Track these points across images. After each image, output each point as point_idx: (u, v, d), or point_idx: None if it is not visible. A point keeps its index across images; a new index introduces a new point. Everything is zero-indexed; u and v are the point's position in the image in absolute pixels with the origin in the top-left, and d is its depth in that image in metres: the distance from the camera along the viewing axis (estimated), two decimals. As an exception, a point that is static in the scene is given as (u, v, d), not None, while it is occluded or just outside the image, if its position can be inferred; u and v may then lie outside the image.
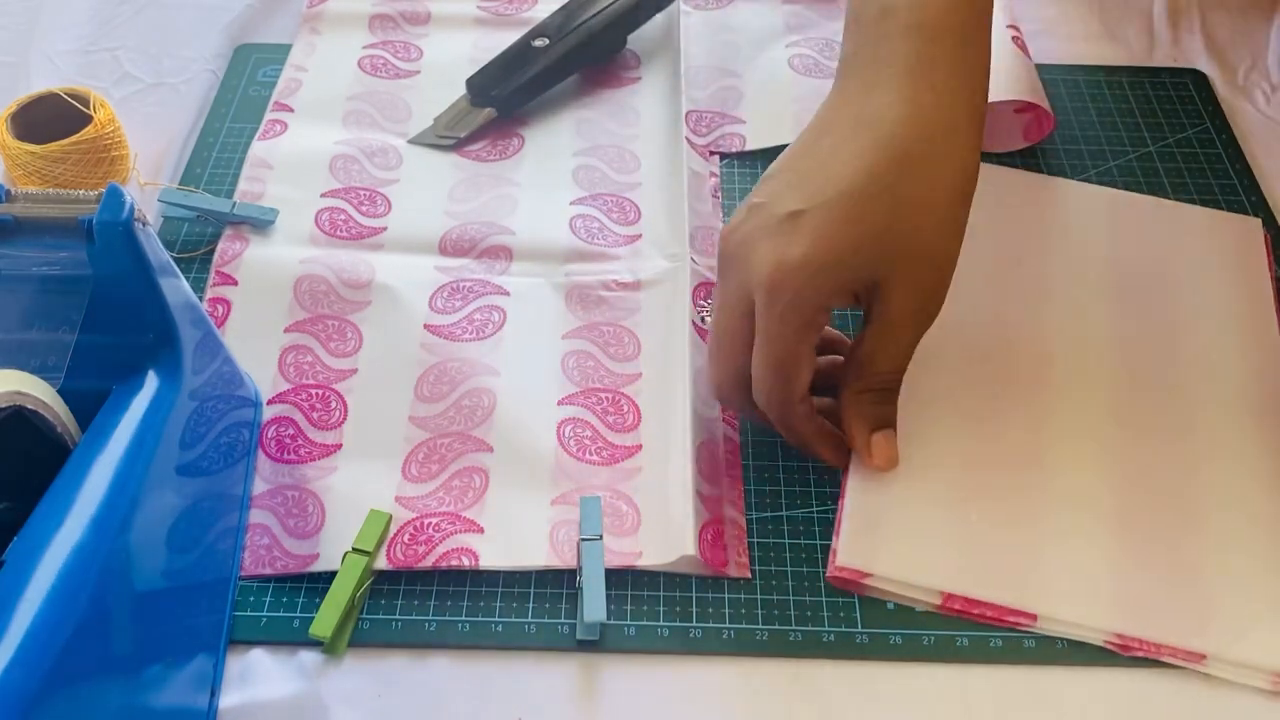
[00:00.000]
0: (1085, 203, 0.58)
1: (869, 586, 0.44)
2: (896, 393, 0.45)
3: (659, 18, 0.69)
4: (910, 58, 0.41)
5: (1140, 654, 0.42)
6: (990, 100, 0.56)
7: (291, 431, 0.49)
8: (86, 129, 0.56)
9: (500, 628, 0.44)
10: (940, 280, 0.42)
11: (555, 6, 0.66)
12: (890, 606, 0.44)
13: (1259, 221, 0.57)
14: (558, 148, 0.62)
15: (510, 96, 0.63)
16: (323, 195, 0.59)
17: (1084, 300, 0.53)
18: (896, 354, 0.43)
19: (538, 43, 0.64)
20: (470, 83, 0.63)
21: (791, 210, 0.40)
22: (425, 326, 0.53)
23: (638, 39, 0.68)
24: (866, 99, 0.42)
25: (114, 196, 0.37)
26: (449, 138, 0.62)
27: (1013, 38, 0.60)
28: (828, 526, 0.47)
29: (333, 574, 0.44)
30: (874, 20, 0.43)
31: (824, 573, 0.45)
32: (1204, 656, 0.42)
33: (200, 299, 0.52)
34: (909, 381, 0.45)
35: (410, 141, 0.62)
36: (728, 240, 0.43)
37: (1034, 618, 0.43)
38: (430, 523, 0.46)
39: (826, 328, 0.45)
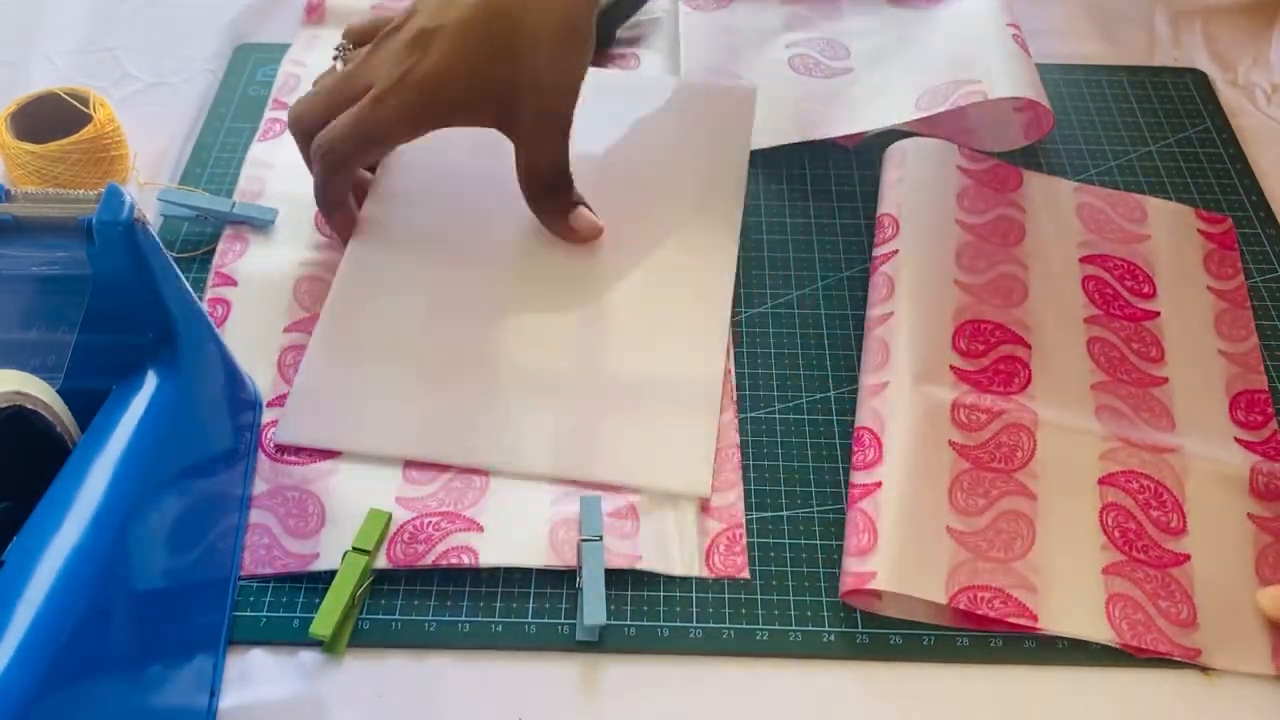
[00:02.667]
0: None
1: (882, 603, 0.44)
2: (567, 181, 0.52)
3: (661, 18, 0.69)
4: None
5: (1140, 653, 0.43)
6: (990, 98, 0.56)
7: (291, 431, 0.49)
8: (86, 129, 0.56)
9: (500, 628, 0.44)
10: (561, 102, 0.48)
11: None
12: (890, 607, 0.44)
13: (750, 90, 0.62)
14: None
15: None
16: (322, 195, 0.59)
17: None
18: (548, 162, 0.51)
19: None
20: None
21: (424, 27, 0.47)
22: (425, 326, 0.53)
23: (640, 41, 0.68)
24: None
25: (114, 196, 0.37)
26: None
27: (1012, 36, 0.60)
28: (828, 526, 0.47)
29: (333, 574, 0.44)
30: None
31: (825, 585, 0.45)
32: (1199, 652, 0.42)
33: (200, 299, 0.52)
34: None
35: None
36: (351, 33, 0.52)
37: (1035, 617, 0.43)
38: (430, 522, 0.46)
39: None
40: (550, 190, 0.52)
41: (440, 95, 0.47)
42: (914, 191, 0.56)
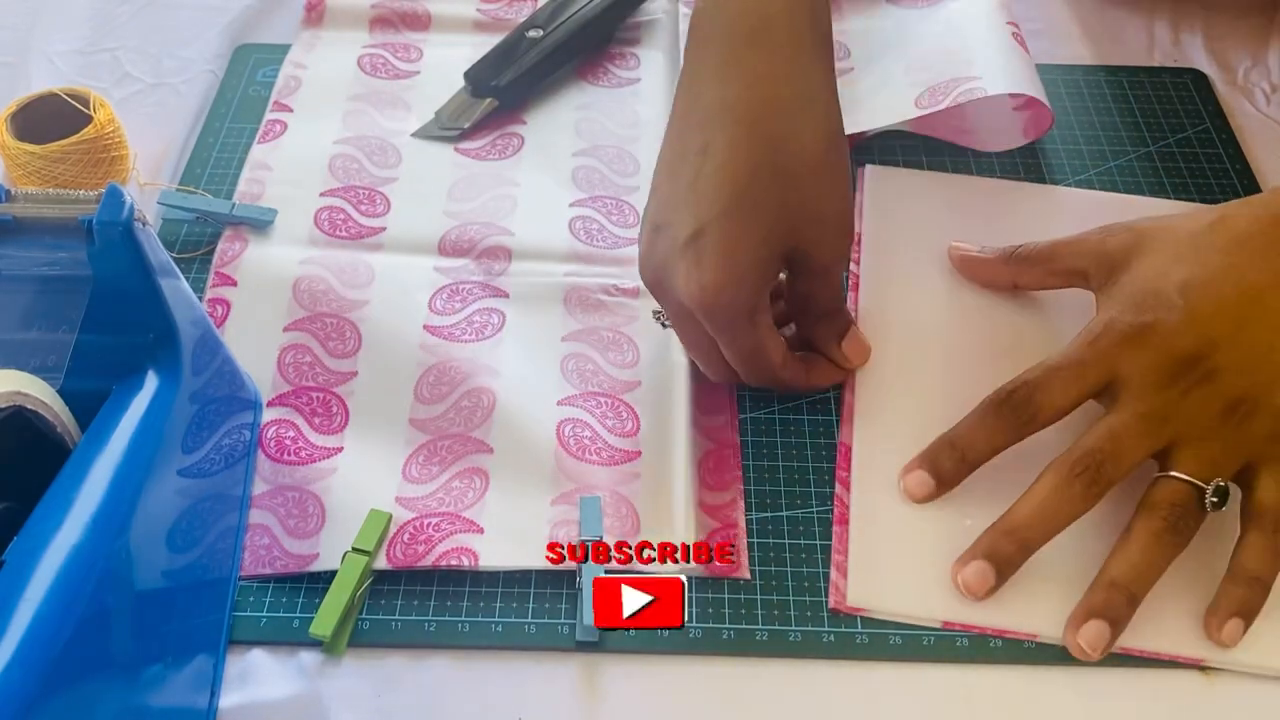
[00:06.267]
0: (1030, 202, 0.58)
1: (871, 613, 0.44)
2: (843, 308, 0.50)
3: (660, 19, 0.69)
4: (748, 24, 0.43)
5: (1141, 656, 0.43)
6: (988, 95, 0.56)
7: (292, 434, 0.49)
8: (86, 129, 0.56)
9: (500, 628, 0.44)
10: (844, 226, 0.45)
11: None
12: (891, 607, 0.44)
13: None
14: (558, 148, 0.62)
15: (509, 86, 0.63)
16: (322, 194, 0.59)
17: (1039, 304, 0.53)
18: (831, 291, 0.48)
19: (532, 33, 0.64)
20: (469, 75, 0.64)
21: (691, 233, 0.42)
22: (425, 328, 0.53)
23: (640, 41, 0.68)
24: (717, 80, 0.44)
25: (114, 196, 0.37)
26: (453, 129, 0.62)
27: (1012, 35, 0.60)
28: (828, 527, 0.47)
29: (332, 574, 0.44)
30: (712, 8, 0.45)
31: (825, 585, 0.45)
32: (1201, 660, 0.42)
33: (200, 299, 0.52)
34: (889, 410, 0.49)
35: (414, 135, 0.62)
36: (645, 272, 0.46)
37: (1034, 637, 0.43)
38: (430, 523, 0.46)
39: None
40: (827, 316, 0.49)
41: (741, 293, 0.42)
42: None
